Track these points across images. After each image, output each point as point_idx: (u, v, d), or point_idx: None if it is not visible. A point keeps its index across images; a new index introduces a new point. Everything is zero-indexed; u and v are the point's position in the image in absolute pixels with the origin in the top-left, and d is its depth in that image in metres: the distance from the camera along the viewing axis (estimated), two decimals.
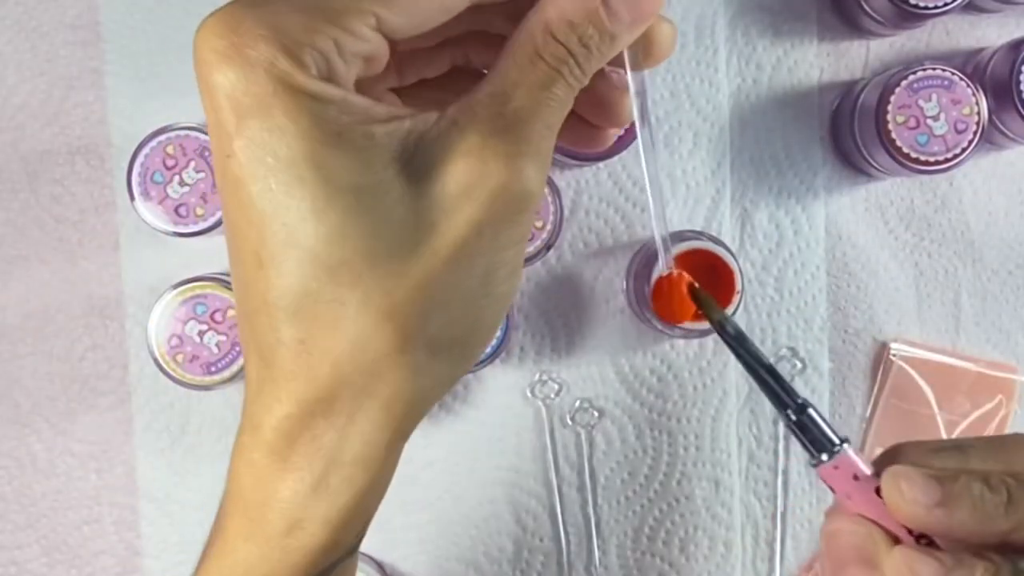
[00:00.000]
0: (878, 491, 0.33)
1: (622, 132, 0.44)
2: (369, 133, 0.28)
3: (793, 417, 0.34)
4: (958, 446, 0.34)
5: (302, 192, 0.28)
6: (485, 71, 0.35)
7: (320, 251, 0.28)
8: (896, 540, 0.33)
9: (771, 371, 0.35)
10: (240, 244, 0.29)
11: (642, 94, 0.33)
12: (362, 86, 0.30)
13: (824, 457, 0.34)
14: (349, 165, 0.28)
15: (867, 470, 0.33)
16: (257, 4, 0.28)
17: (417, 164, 0.29)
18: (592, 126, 0.35)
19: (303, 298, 0.28)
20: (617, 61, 0.32)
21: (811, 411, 0.34)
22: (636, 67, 0.33)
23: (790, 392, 0.34)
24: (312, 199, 0.28)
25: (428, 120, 0.29)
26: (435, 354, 0.30)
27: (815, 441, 0.34)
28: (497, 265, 0.30)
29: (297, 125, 0.27)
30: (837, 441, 0.34)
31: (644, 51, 0.32)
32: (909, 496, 0.32)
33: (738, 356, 0.35)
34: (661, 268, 0.37)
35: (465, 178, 0.29)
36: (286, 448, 0.30)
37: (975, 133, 0.53)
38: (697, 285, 0.37)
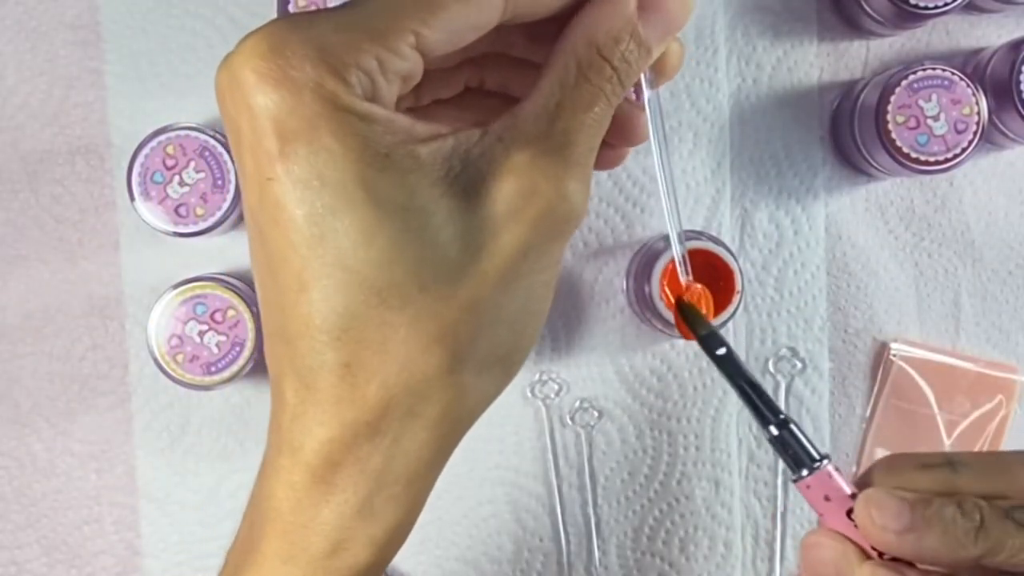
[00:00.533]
0: (849, 513, 0.33)
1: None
2: (414, 153, 0.28)
3: (775, 432, 0.34)
4: (950, 462, 0.33)
5: (351, 215, 0.27)
6: (498, 91, 0.35)
7: (369, 274, 0.27)
8: (870, 558, 0.33)
9: (754, 387, 0.35)
10: (279, 267, 0.28)
11: (658, 112, 0.33)
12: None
13: (803, 472, 0.34)
14: (397, 186, 0.28)
15: (847, 489, 0.33)
16: (299, 25, 0.27)
17: (462, 182, 0.29)
18: (609, 146, 0.35)
19: (349, 321, 0.28)
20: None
21: (792, 427, 0.34)
22: (650, 85, 0.33)
23: (772, 408, 0.35)
24: (361, 222, 0.27)
25: (471, 138, 0.29)
26: (480, 373, 0.30)
27: (796, 457, 0.34)
28: (538, 284, 0.30)
29: (345, 146, 0.27)
30: (817, 458, 0.34)
31: (657, 69, 0.33)
32: (879, 523, 0.32)
33: (721, 370, 0.36)
34: (681, 279, 0.37)
35: (513, 197, 0.29)
36: (329, 471, 0.30)
37: (975, 133, 0.53)
38: (685, 299, 0.38)
